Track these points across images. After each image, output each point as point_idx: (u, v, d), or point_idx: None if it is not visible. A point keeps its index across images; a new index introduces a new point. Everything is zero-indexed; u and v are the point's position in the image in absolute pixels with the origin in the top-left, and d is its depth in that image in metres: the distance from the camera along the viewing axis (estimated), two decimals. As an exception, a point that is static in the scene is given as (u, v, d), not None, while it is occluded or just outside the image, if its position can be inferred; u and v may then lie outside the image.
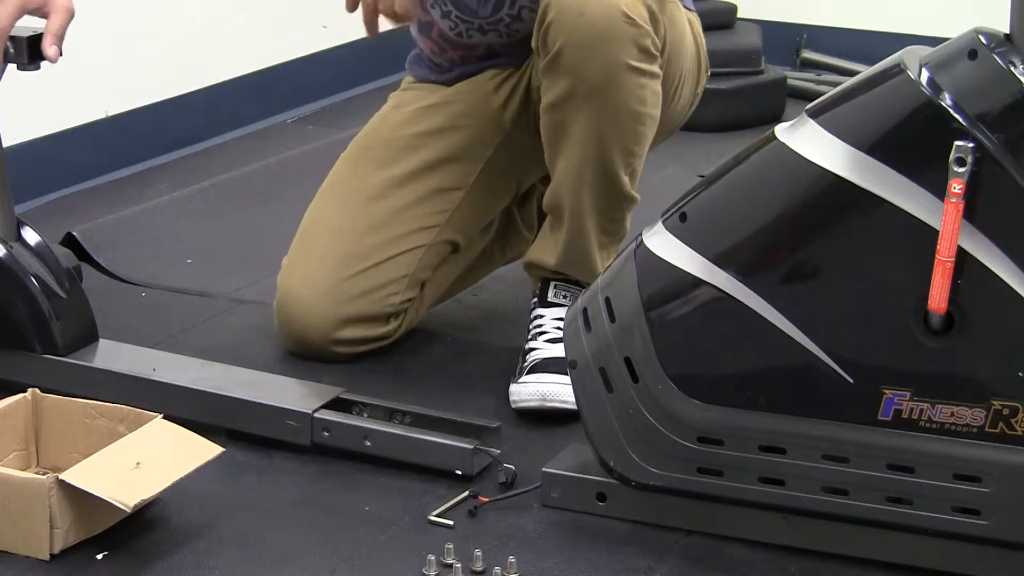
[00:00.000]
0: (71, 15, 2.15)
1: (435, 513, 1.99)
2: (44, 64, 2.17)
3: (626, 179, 2.23)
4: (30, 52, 2.14)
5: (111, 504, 1.85)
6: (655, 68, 2.17)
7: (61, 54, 2.14)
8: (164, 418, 2.00)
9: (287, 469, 2.13)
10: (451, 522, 1.98)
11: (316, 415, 2.13)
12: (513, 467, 2.05)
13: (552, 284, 2.32)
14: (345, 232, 2.39)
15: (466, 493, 2.03)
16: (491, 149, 2.42)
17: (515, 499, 2.02)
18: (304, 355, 2.41)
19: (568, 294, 2.33)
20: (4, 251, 2.24)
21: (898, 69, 1.75)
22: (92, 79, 3.26)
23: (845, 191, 1.76)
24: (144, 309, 2.65)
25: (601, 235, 2.28)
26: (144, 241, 2.94)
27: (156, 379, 2.22)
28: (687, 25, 2.33)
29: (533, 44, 2.19)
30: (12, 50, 2.13)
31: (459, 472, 2.06)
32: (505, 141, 2.43)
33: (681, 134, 3.48)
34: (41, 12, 2.13)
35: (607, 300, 1.93)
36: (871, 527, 1.86)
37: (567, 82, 2.16)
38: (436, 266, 2.44)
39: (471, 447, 2.06)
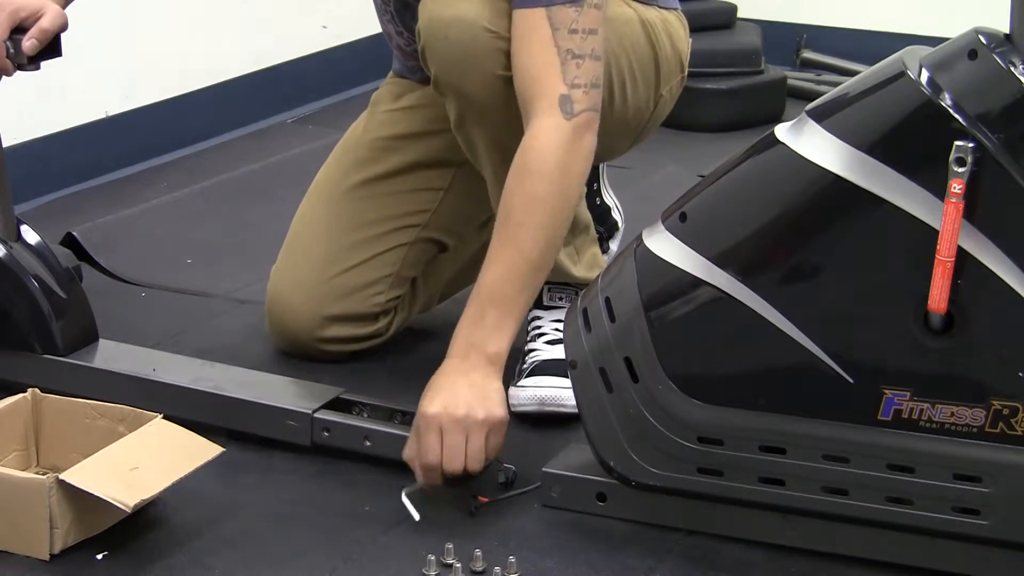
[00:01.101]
0: (63, 21, 2.16)
1: (407, 490, 1.99)
2: (44, 64, 2.18)
3: None
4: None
5: (111, 504, 1.85)
6: None
7: (38, 59, 2.16)
8: (164, 418, 2.01)
9: (287, 469, 2.13)
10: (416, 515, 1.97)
11: (316, 415, 2.13)
12: (513, 467, 2.05)
13: (545, 288, 2.32)
14: (328, 233, 2.41)
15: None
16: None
17: (515, 499, 2.02)
18: (296, 355, 2.41)
19: (563, 295, 2.32)
20: (4, 251, 2.24)
21: (898, 69, 1.75)
22: (92, 79, 3.26)
23: (845, 191, 1.76)
24: (144, 309, 2.65)
25: None
26: (144, 241, 2.94)
27: (156, 379, 2.22)
28: (635, 24, 2.26)
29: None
30: (12, 50, 2.14)
31: None
32: None
33: (681, 134, 3.51)
34: (34, 19, 2.15)
35: (607, 300, 1.93)
36: (871, 527, 1.86)
37: (454, 104, 2.15)
38: (425, 264, 2.45)
39: None
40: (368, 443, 2.11)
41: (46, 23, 2.15)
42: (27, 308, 2.24)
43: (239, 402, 2.18)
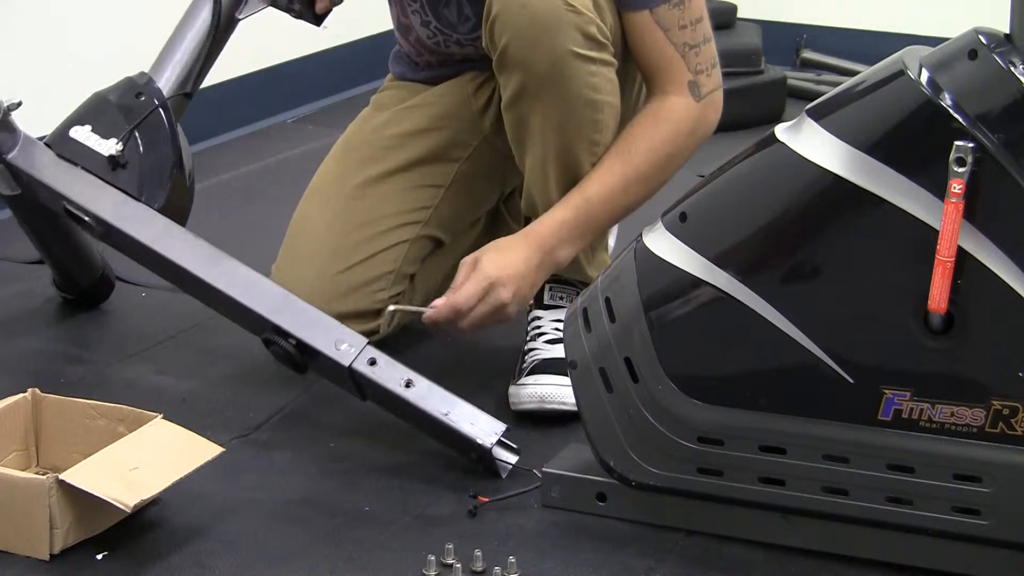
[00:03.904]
0: None
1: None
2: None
3: (591, 169, 2.23)
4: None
5: (111, 504, 1.85)
6: (605, 55, 2.17)
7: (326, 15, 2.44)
8: (163, 418, 2.01)
9: (287, 469, 2.13)
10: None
11: (370, 345, 2.13)
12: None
13: (547, 287, 2.32)
14: (330, 231, 2.41)
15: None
16: (469, 150, 2.44)
17: (515, 499, 2.03)
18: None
19: (564, 295, 2.33)
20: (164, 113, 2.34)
21: (898, 69, 1.75)
22: (92, 79, 3.25)
23: (845, 191, 1.76)
24: (144, 309, 2.65)
25: None
26: (144, 241, 2.94)
27: (226, 254, 2.24)
28: None
29: (484, 43, 2.20)
30: None
31: (479, 442, 2.05)
32: (483, 143, 2.44)
33: (681, 134, 3.49)
34: None
35: (607, 300, 1.93)
36: (871, 527, 1.86)
37: (518, 77, 2.17)
38: (422, 260, 2.46)
39: (503, 427, 2.07)
40: (408, 387, 2.10)
41: None
42: (154, 158, 2.29)
43: (297, 304, 2.18)
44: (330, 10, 2.44)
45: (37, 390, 2.09)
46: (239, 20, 2.45)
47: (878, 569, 1.88)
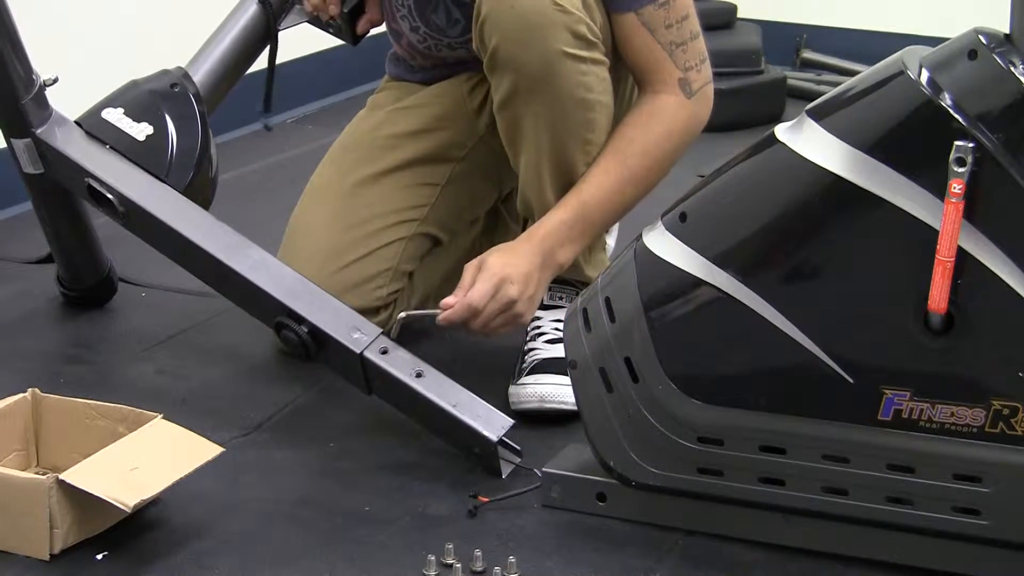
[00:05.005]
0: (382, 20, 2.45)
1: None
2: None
3: (585, 168, 2.23)
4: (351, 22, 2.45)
5: (111, 504, 1.85)
6: (596, 55, 2.18)
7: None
8: (163, 418, 2.01)
9: (287, 469, 2.13)
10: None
11: (384, 335, 2.15)
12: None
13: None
14: (328, 230, 2.41)
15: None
16: (465, 150, 2.45)
17: (515, 499, 2.03)
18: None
19: (563, 295, 2.33)
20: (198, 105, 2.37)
21: (898, 69, 1.75)
22: (92, 79, 3.26)
23: (845, 191, 1.76)
24: (144, 309, 2.65)
25: None
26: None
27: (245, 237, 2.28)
28: None
29: (474, 44, 2.20)
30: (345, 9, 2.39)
31: (486, 435, 2.06)
32: (479, 143, 2.45)
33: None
34: None
35: (607, 300, 1.93)
36: (871, 527, 1.86)
37: (509, 78, 2.17)
38: (420, 258, 2.46)
39: (510, 422, 2.07)
40: (418, 377, 2.11)
41: (378, 17, 2.43)
42: (183, 145, 2.32)
43: (313, 291, 2.20)
44: (368, 31, 2.45)
45: (37, 390, 2.09)
46: (278, 31, 2.50)
47: (878, 569, 1.88)
